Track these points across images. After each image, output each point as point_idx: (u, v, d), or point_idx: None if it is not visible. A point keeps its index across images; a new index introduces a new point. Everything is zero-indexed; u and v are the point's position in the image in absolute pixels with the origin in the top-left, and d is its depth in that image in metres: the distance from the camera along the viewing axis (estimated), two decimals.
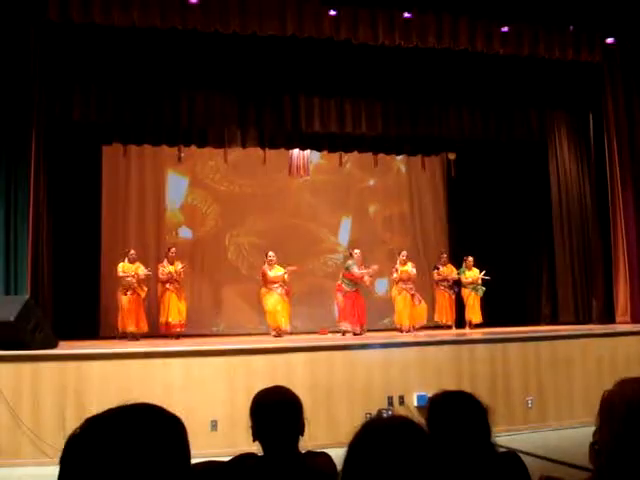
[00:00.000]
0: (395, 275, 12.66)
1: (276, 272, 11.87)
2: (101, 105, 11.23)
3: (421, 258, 14.93)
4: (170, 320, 11.88)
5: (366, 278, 11.92)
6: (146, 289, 12.04)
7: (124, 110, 11.35)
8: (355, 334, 11.51)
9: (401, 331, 12.28)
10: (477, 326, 13.00)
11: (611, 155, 12.17)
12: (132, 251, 12.15)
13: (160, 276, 12.09)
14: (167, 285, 12.06)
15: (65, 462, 1.21)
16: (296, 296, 12.94)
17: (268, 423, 2.55)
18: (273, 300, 11.74)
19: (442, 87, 12.38)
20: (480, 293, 13.13)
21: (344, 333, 11.67)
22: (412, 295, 12.48)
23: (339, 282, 12.06)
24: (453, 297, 13.38)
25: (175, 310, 11.95)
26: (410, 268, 12.64)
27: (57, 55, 10.61)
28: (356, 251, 12.24)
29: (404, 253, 12.91)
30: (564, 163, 13.49)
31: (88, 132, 12.36)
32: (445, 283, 13.32)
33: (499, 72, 12.35)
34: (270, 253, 12.06)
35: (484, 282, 13.14)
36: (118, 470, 1.18)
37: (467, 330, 12.82)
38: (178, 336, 11.80)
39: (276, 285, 11.80)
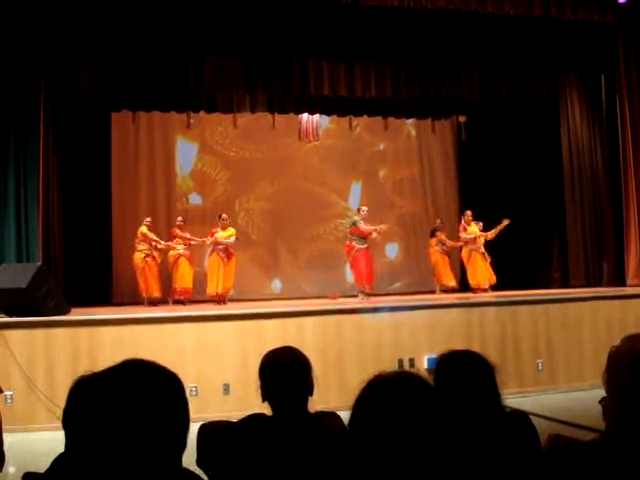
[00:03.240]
0: (463, 235, 12.76)
1: (222, 234, 11.77)
2: (109, 72, 11.11)
3: (431, 222, 14.87)
4: (180, 285, 11.93)
5: (374, 235, 11.67)
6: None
7: (132, 76, 11.22)
8: (367, 295, 11.39)
9: (475, 291, 12.41)
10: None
11: (623, 117, 12.04)
12: (148, 218, 12.19)
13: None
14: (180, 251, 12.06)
15: (71, 400, 1.36)
16: (306, 260, 12.90)
17: (276, 382, 2.56)
18: (210, 262, 11.81)
19: (452, 49, 12.18)
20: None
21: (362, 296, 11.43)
22: (482, 254, 12.66)
23: (348, 242, 11.78)
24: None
25: (187, 276, 11.99)
26: (475, 228, 12.75)
27: (64, 23, 10.49)
28: (363, 208, 12.00)
29: (469, 213, 12.93)
30: (575, 125, 13.33)
31: (96, 99, 12.33)
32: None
33: (510, 34, 12.15)
34: (223, 215, 12.00)
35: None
36: (121, 412, 1.35)
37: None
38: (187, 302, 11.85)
39: (220, 247, 11.73)
